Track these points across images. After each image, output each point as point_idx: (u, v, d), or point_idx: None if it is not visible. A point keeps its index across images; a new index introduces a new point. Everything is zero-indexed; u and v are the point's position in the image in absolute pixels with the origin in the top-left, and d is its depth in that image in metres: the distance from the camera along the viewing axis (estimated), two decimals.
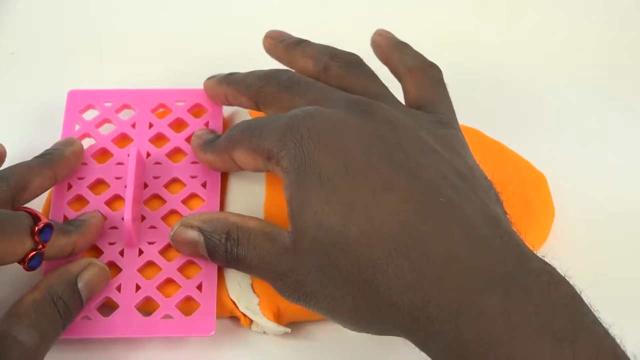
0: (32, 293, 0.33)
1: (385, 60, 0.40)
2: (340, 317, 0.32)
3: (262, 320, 0.37)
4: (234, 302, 0.37)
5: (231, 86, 0.39)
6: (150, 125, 0.41)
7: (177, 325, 0.35)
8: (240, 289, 0.37)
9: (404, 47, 0.40)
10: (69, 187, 0.39)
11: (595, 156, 0.45)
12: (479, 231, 0.30)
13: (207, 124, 0.41)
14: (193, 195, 0.39)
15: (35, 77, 0.48)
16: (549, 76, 0.48)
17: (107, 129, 0.41)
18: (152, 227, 0.38)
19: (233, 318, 0.38)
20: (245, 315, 0.37)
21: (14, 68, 0.48)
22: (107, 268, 0.35)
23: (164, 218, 0.38)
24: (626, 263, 0.41)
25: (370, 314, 0.31)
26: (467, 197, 0.31)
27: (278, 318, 0.37)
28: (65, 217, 0.38)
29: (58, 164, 0.37)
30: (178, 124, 0.41)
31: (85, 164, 0.39)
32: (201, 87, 0.41)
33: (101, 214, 0.37)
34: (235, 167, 0.36)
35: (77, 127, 0.40)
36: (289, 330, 0.37)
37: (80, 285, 0.34)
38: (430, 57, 0.39)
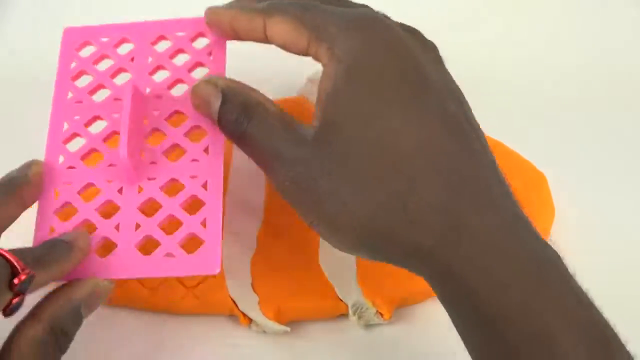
0: (34, 327, 0.30)
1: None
2: (340, 229, 0.30)
3: (262, 320, 0.37)
4: (233, 301, 0.37)
5: (243, 9, 0.35)
6: (150, 58, 0.38)
7: (180, 264, 0.33)
8: (240, 288, 0.37)
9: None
10: (66, 126, 0.37)
11: (596, 156, 0.45)
12: (495, 166, 0.31)
13: (210, 54, 0.38)
14: (195, 128, 0.36)
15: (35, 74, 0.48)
16: (550, 76, 0.49)
17: (105, 65, 0.38)
18: (153, 162, 0.35)
19: (232, 317, 0.38)
20: (244, 315, 0.37)
21: (14, 68, 0.48)
22: (113, 282, 0.33)
23: (165, 153, 0.35)
24: (626, 263, 0.41)
25: (384, 230, 0.29)
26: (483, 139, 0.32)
27: (278, 317, 0.37)
28: (64, 157, 0.36)
29: (22, 190, 0.34)
30: (179, 55, 0.38)
31: (81, 102, 0.37)
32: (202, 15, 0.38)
33: (87, 232, 0.34)
34: (260, 36, 0.34)
35: (73, 64, 0.38)
36: (288, 329, 0.37)
37: (84, 310, 0.32)
38: None
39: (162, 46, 0.38)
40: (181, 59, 0.38)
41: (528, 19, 0.52)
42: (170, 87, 0.37)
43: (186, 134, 0.35)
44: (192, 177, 0.34)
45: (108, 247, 0.33)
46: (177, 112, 0.36)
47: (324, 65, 0.32)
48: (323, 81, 0.31)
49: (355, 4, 0.34)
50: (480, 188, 0.29)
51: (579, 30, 0.51)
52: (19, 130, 0.45)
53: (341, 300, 0.38)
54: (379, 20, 0.32)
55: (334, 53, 0.31)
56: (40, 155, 0.42)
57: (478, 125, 0.32)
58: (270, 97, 0.34)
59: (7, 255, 0.29)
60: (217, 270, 0.32)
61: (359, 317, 0.38)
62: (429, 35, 0.34)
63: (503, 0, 0.52)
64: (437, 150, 0.30)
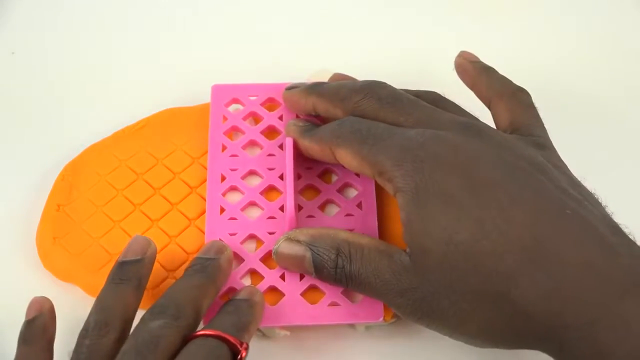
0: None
1: (472, 85, 0.40)
2: (468, 333, 0.32)
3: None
4: None
5: (322, 97, 0.38)
6: (297, 117, 0.40)
7: (344, 312, 0.35)
8: None
9: (491, 71, 0.40)
10: (223, 178, 0.39)
11: (596, 157, 0.44)
12: (608, 239, 0.31)
13: None
14: (347, 185, 0.39)
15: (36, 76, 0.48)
16: (550, 75, 0.48)
17: (253, 122, 0.42)
18: (310, 216, 0.38)
19: None
20: None
21: (14, 68, 0.48)
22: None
23: (320, 207, 0.38)
24: None
25: (503, 327, 0.31)
26: (588, 209, 0.32)
27: None
28: (222, 209, 0.38)
29: (218, 277, 0.35)
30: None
31: (237, 155, 0.40)
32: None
33: (255, 287, 0.36)
34: (333, 160, 0.36)
35: (224, 121, 0.41)
36: (288, 333, 0.37)
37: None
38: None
39: None
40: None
41: (532, 24, 0.51)
42: None
43: (338, 191, 0.39)
44: (349, 230, 0.37)
45: (274, 296, 0.36)
46: (327, 169, 0.40)
47: (393, 196, 0.33)
48: (400, 212, 0.33)
49: (417, 109, 0.36)
50: (595, 271, 0.30)
51: (582, 30, 0.51)
52: (19, 130, 0.45)
53: None
54: (430, 141, 0.33)
55: (396, 186, 0.33)
56: (41, 156, 0.43)
57: (573, 182, 0.33)
58: None
59: (226, 336, 0.31)
60: (381, 319, 0.35)
61: None
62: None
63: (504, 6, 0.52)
64: (528, 241, 0.30)
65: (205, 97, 0.42)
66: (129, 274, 0.33)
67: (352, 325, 0.37)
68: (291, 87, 0.40)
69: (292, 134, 0.38)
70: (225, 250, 0.35)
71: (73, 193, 0.40)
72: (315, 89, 0.39)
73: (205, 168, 0.40)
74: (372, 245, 0.34)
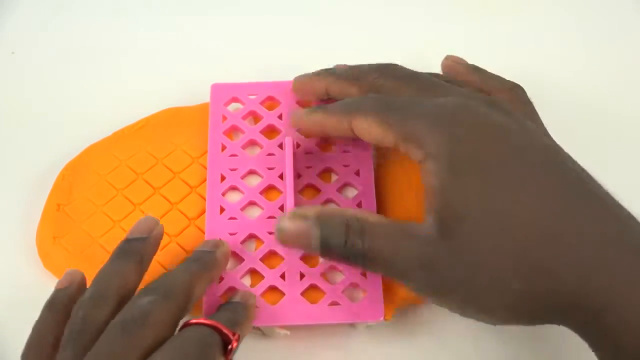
0: None
1: (465, 84, 0.39)
2: (491, 308, 0.31)
3: None
4: None
5: (337, 77, 0.38)
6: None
7: (345, 312, 0.35)
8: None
9: (483, 70, 0.40)
10: (223, 178, 0.39)
11: (597, 157, 0.44)
12: (625, 214, 0.31)
13: None
14: (347, 185, 0.39)
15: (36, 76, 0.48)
16: (551, 75, 0.48)
17: (253, 121, 0.41)
18: None
19: None
20: None
21: (14, 68, 0.48)
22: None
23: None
24: None
25: (530, 299, 0.30)
26: (600, 189, 0.32)
27: None
28: (222, 209, 0.38)
29: (212, 268, 0.34)
30: None
31: (236, 155, 0.40)
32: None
33: (250, 292, 0.35)
34: (346, 132, 0.35)
35: (223, 120, 0.41)
36: (288, 332, 0.37)
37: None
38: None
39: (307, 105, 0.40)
40: None
41: (530, 21, 0.51)
42: (318, 145, 0.40)
43: (338, 190, 0.39)
44: None
45: (274, 295, 0.36)
46: (327, 169, 0.39)
47: (419, 163, 0.33)
48: (425, 178, 0.32)
49: (437, 86, 0.35)
50: (618, 254, 0.30)
51: (582, 30, 0.51)
52: (19, 130, 0.45)
53: None
54: (461, 109, 0.33)
55: (426, 152, 0.32)
56: (41, 156, 0.43)
57: (592, 180, 0.33)
58: None
59: (219, 326, 0.31)
60: (382, 319, 0.35)
61: None
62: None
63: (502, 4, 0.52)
64: (560, 226, 0.30)
65: (205, 97, 0.42)
66: (132, 251, 0.33)
67: (352, 325, 0.37)
68: (300, 75, 0.40)
69: (299, 114, 0.38)
70: (222, 244, 0.35)
71: (73, 193, 0.40)
72: (328, 71, 0.39)
73: (205, 168, 0.40)
74: (383, 220, 0.33)
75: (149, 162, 0.41)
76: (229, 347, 0.31)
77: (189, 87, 0.44)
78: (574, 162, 0.34)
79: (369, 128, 0.34)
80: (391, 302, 0.37)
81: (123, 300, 0.31)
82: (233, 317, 0.32)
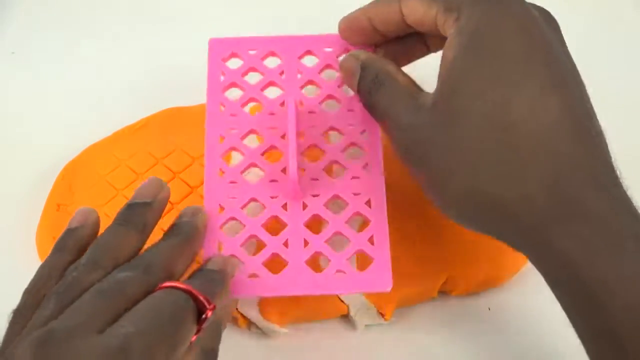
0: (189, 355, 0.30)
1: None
2: (448, 196, 0.31)
3: (261, 322, 0.37)
4: None
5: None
6: (299, 73, 0.38)
7: (351, 281, 0.33)
8: None
9: None
10: (222, 138, 0.36)
11: None
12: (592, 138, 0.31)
13: None
14: (352, 144, 0.36)
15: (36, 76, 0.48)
16: None
17: (253, 78, 0.38)
18: (314, 179, 0.35)
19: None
20: (243, 316, 0.37)
21: (14, 68, 0.48)
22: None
23: (325, 169, 0.36)
24: None
25: (490, 200, 0.30)
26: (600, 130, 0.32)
27: (279, 319, 0.37)
28: (221, 171, 0.36)
29: (194, 238, 0.33)
30: (326, 71, 0.38)
31: (235, 115, 0.37)
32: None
33: (235, 257, 0.34)
34: (397, 18, 0.35)
35: (222, 77, 0.38)
36: (287, 331, 0.37)
37: (222, 326, 0.33)
38: None
39: (309, 61, 0.38)
40: (328, 75, 0.38)
41: None
42: (322, 102, 0.37)
43: (343, 151, 0.36)
44: (355, 194, 0.35)
45: (276, 263, 0.34)
46: (332, 128, 0.37)
47: (449, 35, 0.32)
48: (446, 50, 0.32)
49: None
50: (593, 173, 0.30)
51: (583, 30, 0.51)
52: (19, 130, 0.45)
53: (342, 302, 0.37)
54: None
55: (459, 24, 0.32)
56: (41, 156, 0.43)
57: (594, 112, 0.33)
58: None
59: (194, 292, 0.29)
60: (389, 288, 0.33)
61: (360, 318, 0.37)
62: None
63: None
64: (552, 130, 0.30)
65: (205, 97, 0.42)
66: (134, 217, 0.32)
67: (351, 324, 0.37)
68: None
69: (345, 16, 0.37)
70: (199, 212, 0.33)
71: (73, 193, 0.40)
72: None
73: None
74: (405, 82, 0.34)
75: (149, 162, 0.41)
76: (203, 316, 0.29)
77: (189, 87, 0.44)
78: (588, 99, 0.33)
79: (416, 4, 0.34)
80: (391, 302, 0.37)
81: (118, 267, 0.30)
82: (209, 286, 0.31)
